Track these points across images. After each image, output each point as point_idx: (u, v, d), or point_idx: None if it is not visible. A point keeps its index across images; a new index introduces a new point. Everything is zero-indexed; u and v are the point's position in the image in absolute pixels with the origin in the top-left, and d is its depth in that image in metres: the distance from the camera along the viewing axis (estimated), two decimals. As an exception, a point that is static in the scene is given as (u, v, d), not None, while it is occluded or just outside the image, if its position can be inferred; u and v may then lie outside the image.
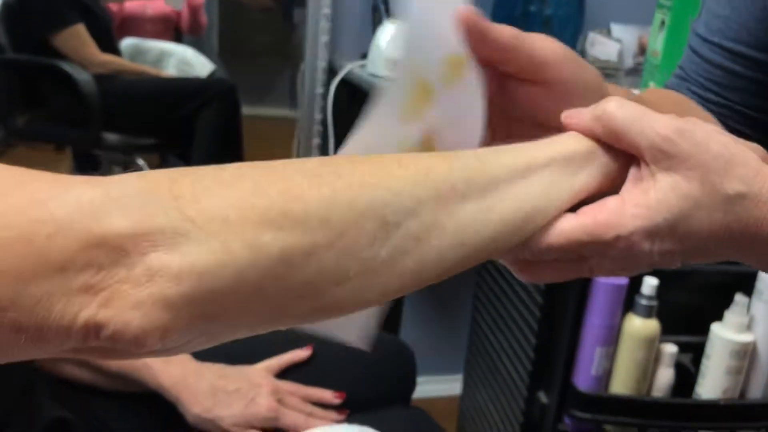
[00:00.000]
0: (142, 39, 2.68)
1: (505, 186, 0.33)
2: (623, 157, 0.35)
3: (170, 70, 2.55)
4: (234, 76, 2.76)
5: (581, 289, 1.00)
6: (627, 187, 0.35)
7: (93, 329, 0.27)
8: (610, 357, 1.02)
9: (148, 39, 2.70)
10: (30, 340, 0.26)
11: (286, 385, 0.80)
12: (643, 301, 0.99)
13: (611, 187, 0.35)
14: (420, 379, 0.96)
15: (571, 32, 1.63)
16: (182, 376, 0.76)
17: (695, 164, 0.33)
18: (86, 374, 0.77)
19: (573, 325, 1.01)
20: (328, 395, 0.81)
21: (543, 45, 0.38)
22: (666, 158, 0.33)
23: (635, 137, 0.34)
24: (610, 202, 0.34)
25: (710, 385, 1.02)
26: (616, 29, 1.71)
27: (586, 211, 0.34)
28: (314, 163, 0.32)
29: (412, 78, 0.37)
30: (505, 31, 0.37)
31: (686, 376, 1.06)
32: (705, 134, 0.34)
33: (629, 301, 1.00)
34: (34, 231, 0.26)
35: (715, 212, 0.33)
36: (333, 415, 0.79)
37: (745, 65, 0.57)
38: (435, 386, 1.73)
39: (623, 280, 0.99)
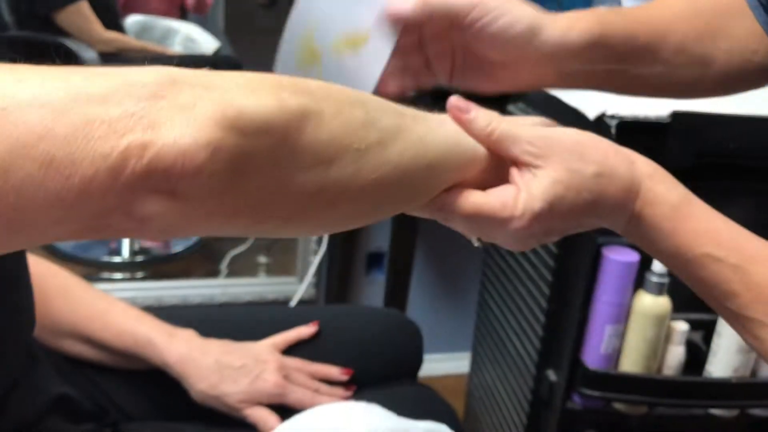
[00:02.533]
0: (148, 16, 2.66)
1: (436, 123, 0.42)
2: (497, 156, 0.44)
3: (176, 48, 2.53)
4: (239, 53, 2.74)
5: (591, 266, 0.98)
6: (516, 179, 0.43)
7: (137, 149, 0.27)
8: (620, 335, 1.01)
9: (153, 16, 2.68)
10: (56, 181, 0.26)
11: (293, 362, 0.79)
12: (654, 279, 0.97)
13: (486, 177, 0.44)
14: (427, 357, 0.95)
15: (581, 8, 1.60)
16: (187, 352, 0.75)
17: (558, 159, 0.42)
18: (90, 351, 0.76)
19: (583, 302, 1.00)
20: (334, 372, 0.80)
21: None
22: (536, 159, 0.42)
23: (510, 149, 0.43)
24: (508, 188, 0.42)
25: (721, 364, 1.01)
26: (628, 4, 1.68)
27: (491, 191, 0.43)
28: None
29: (300, 40, 0.47)
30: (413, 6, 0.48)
31: (697, 354, 1.05)
32: (560, 133, 0.43)
33: (640, 278, 0.98)
34: (72, 73, 0.27)
35: (582, 192, 0.42)
36: (340, 391, 0.79)
37: None
38: (442, 364, 1.73)
39: (634, 257, 0.97)
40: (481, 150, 0.43)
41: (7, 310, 0.61)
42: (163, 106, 0.28)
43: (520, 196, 0.42)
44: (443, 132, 0.42)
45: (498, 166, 0.44)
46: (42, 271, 0.74)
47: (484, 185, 0.43)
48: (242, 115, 0.30)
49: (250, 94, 0.31)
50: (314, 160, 0.34)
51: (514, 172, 0.43)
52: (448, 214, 0.43)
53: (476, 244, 0.47)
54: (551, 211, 0.41)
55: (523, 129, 0.43)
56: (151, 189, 0.28)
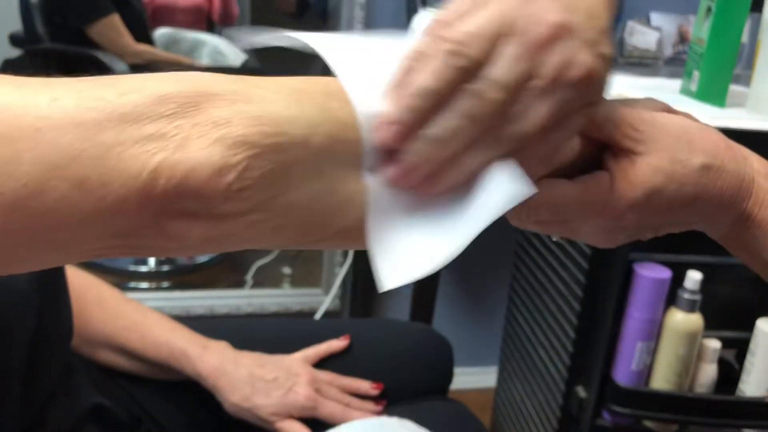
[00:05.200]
0: (176, 29, 2.70)
1: None
2: (588, 141, 0.39)
3: (203, 60, 2.56)
4: (266, 65, 2.76)
5: (623, 282, 0.98)
6: (611, 165, 0.38)
7: (166, 170, 0.26)
8: (651, 352, 1.00)
9: (181, 29, 2.72)
10: (88, 200, 0.26)
11: (324, 375, 0.79)
12: (686, 295, 0.96)
13: (574, 164, 0.38)
14: (453, 370, 0.95)
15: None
16: (220, 364, 0.76)
17: (663, 146, 0.38)
18: (125, 362, 0.77)
19: (613, 318, 0.99)
20: (365, 386, 0.80)
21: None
22: (638, 144, 0.38)
23: (611, 132, 0.38)
24: (599, 175, 0.38)
25: (755, 383, 1.00)
26: (656, 18, 1.67)
27: (579, 179, 0.38)
28: None
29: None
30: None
31: (730, 372, 1.04)
32: (667, 119, 0.39)
33: (672, 294, 0.97)
34: (106, 88, 0.27)
35: (685, 185, 0.37)
36: (370, 406, 0.79)
37: None
38: (468, 378, 1.72)
39: (666, 274, 0.96)
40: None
41: (46, 321, 0.62)
42: (197, 123, 0.27)
43: (614, 183, 0.37)
44: None
45: (588, 152, 0.39)
46: (79, 281, 0.75)
47: (570, 172, 0.38)
48: (279, 129, 0.28)
49: (294, 105, 0.29)
50: (346, 169, 0.31)
51: (609, 157, 0.39)
52: (531, 209, 0.37)
53: (555, 239, 0.44)
54: (648, 203, 0.37)
55: (624, 111, 0.39)
56: (183, 208, 0.28)
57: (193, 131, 0.27)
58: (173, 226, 0.28)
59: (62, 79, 0.28)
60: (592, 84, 0.32)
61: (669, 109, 0.42)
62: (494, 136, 0.32)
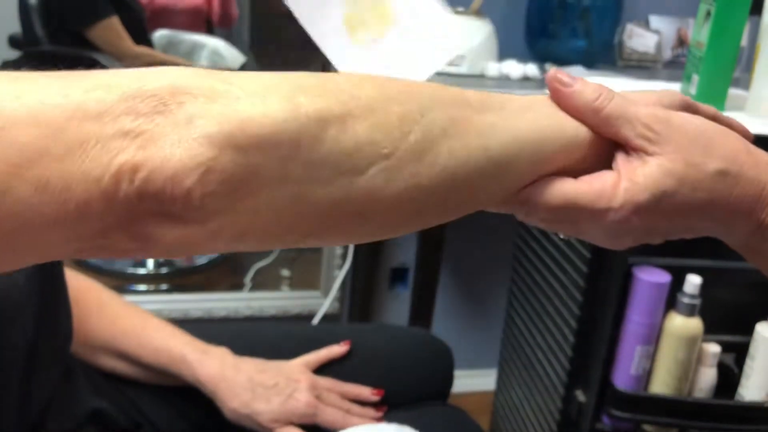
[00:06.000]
0: (175, 31, 2.69)
1: (515, 110, 0.36)
2: (600, 139, 0.38)
3: (203, 62, 2.56)
4: (266, 67, 2.76)
5: (622, 286, 0.98)
6: (620, 165, 0.37)
7: (127, 173, 0.26)
8: (651, 356, 1.00)
9: (180, 31, 2.71)
10: (51, 204, 0.25)
11: (324, 381, 0.79)
12: (686, 300, 0.96)
13: (584, 164, 0.37)
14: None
15: (609, 23, 1.59)
16: (220, 370, 0.75)
17: (677, 147, 0.36)
18: (125, 366, 0.77)
19: (613, 322, 0.99)
20: (366, 392, 0.80)
21: None
22: (651, 144, 0.36)
23: (622, 129, 0.36)
24: (606, 175, 0.36)
25: (754, 387, 1.00)
26: (655, 20, 1.68)
27: (584, 178, 0.36)
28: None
29: None
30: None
31: (729, 376, 1.04)
32: (684, 119, 0.37)
33: (671, 299, 0.97)
34: (71, 86, 0.26)
35: (698, 190, 0.36)
36: (371, 412, 0.79)
37: None
38: (467, 381, 1.72)
39: (666, 278, 0.96)
40: (582, 135, 0.37)
41: (45, 326, 0.62)
42: (159, 123, 0.26)
43: (620, 184, 0.36)
44: (525, 120, 0.35)
45: (600, 151, 0.38)
46: (79, 285, 0.75)
47: (580, 172, 0.37)
48: (244, 129, 0.27)
49: (260, 102, 0.28)
50: (335, 172, 0.30)
51: (619, 156, 0.37)
52: (531, 209, 0.37)
53: (562, 236, 0.43)
54: (657, 207, 0.36)
55: (638, 108, 0.37)
56: (147, 211, 0.27)
57: (156, 131, 0.26)
58: (140, 229, 0.27)
59: (29, 74, 0.27)
60: None
61: (691, 105, 0.40)
62: None
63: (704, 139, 0.36)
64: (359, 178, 0.30)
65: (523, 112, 0.36)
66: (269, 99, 0.29)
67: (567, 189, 0.36)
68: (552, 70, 0.38)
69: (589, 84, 0.37)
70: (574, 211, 0.36)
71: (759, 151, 0.38)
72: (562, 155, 0.36)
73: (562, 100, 0.37)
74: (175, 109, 0.27)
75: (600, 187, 0.36)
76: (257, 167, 0.28)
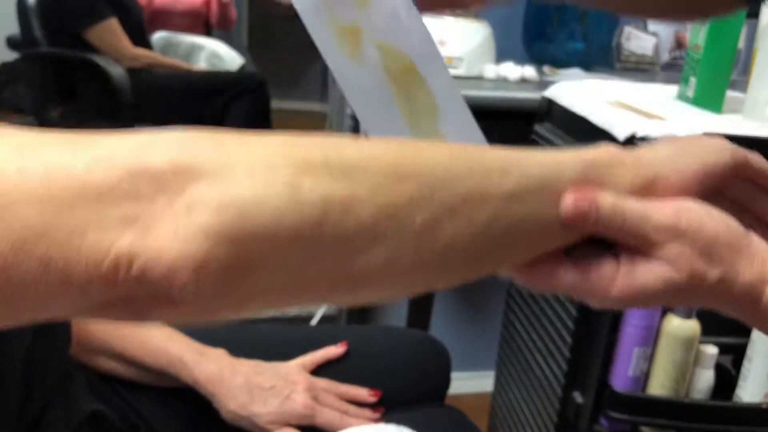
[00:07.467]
0: (173, 33, 2.69)
1: (535, 186, 0.34)
2: None
3: (201, 64, 2.56)
4: (264, 69, 2.76)
5: (619, 288, 0.98)
6: (622, 254, 0.36)
7: (125, 262, 0.26)
8: (648, 357, 1.00)
9: (178, 32, 2.72)
10: (54, 279, 0.25)
11: (322, 382, 0.79)
12: (683, 301, 0.96)
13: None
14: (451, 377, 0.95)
15: (607, 26, 1.60)
16: (217, 372, 0.75)
17: (680, 255, 0.35)
18: (123, 368, 0.77)
19: (611, 324, 0.99)
20: (363, 393, 0.80)
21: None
22: (652, 248, 0.36)
23: (621, 229, 0.36)
24: (604, 265, 0.36)
25: (752, 388, 1.00)
26: (652, 23, 1.68)
27: (583, 263, 0.36)
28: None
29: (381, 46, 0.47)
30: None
31: (727, 378, 1.04)
32: (694, 222, 0.36)
33: (669, 300, 0.98)
34: (75, 160, 0.26)
35: (697, 297, 0.37)
36: (368, 413, 0.79)
37: None
38: (465, 382, 1.72)
39: (663, 280, 0.96)
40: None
41: (44, 328, 0.62)
42: (159, 207, 0.26)
43: (617, 279, 0.36)
44: (541, 200, 0.35)
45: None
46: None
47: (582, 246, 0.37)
48: (243, 221, 0.27)
49: (261, 187, 0.28)
50: (336, 256, 0.30)
51: (624, 246, 0.37)
52: (536, 287, 0.37)
53: None
54: (651, 302, 0.37)
55: (646, 209, 0.36)
56: (146, 294, 0.27)
57: (156, 215, 0.26)
58: (140, 308, 0.28)
59: (32, 139, 0.27)
60: None
61: (740, 163, 0.40)
62: None
63: (712, 247, 0.36)
64: (359, 257, 0.30)
65: (546, 185, 0.35)
66: (274, 184, 0.28)
67: (564, 274, 0.36)
68: (570, 201, 0.35)
69: (600, 194, 0.36)
70: (569, 291, 0.37)
71: (761, 246, 0.37)
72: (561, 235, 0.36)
73: (583, 224, 0.36)
74: (176, 193, 0.27)
75: (596, 277, 0.36)
76: (254, 257, 0.28)
